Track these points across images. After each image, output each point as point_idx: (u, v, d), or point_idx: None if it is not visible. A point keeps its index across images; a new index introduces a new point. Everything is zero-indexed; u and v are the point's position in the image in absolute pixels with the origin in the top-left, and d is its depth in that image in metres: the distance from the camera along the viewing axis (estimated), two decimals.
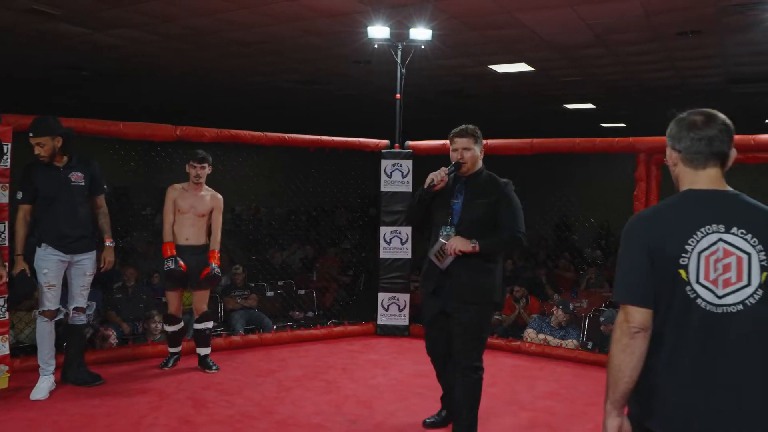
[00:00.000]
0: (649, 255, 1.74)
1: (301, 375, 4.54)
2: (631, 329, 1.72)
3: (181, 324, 4.68)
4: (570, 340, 5.77)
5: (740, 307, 1.69)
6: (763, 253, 1.70)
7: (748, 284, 1.69)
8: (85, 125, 4.46)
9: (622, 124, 13.78)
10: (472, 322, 3.21)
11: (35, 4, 5.83)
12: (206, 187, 4.58)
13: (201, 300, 4.62)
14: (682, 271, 1.71)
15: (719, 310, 1.69)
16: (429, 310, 3.38)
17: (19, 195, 3.96)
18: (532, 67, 8.11)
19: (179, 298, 4.63)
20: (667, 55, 7.25)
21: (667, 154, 1.91)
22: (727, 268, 1.70)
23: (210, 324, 4.69)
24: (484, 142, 5.28)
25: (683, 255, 1.72)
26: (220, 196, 4.63)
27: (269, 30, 6.62)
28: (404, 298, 5.78)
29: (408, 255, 5.81)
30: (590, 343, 5.54)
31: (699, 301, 1.70)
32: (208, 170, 4.56)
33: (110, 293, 6.65)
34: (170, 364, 4.61)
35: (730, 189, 1.81)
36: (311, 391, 4.20)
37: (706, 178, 1.81)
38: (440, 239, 3.19)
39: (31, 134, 3.93)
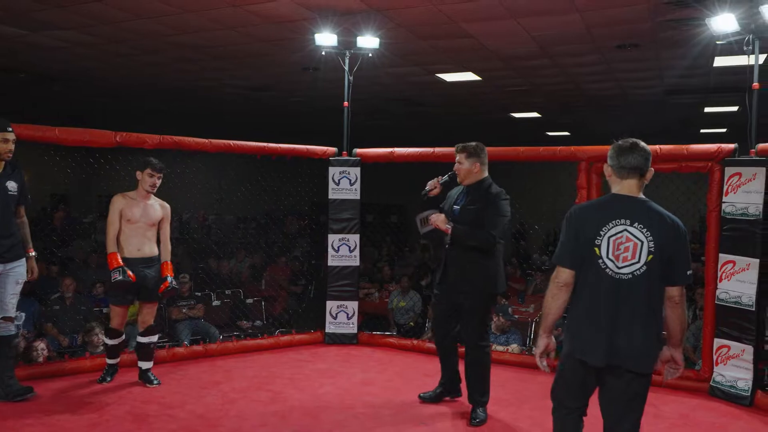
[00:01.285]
0: (575, 234, 2.62)
1: (246, 386, 4.46)
2: (558, 283, 2.64)
3: (123, 337, 4.54)
4: (513, 345, 5.87)
5: (630, 276, 2.54)
6: (652, 242, 2.52)
7: (638, 261, 2.53)
8: (20, 131, 4.21)
9: (567, 133, 14.15)
10: (472, 309, 3.85)
11: None
12: (153, 196, 4.40)
13: (149, 313, 4.46)
14: (596, 249, 2.57)
15: (618, 276, 2.54)
16: (435, 294, 4.11)
17: None
18: (479, 76, 8.25)
19: (125, 313, 4.47)
20: (607, 66, 7.49)
21: (605, 168, 2.72)
22: (626, 249, 2.54)
23: (155, 338, 4.54)
24: (432, 150, 5.36)
25: (598, 237, 2.57)
26: (167, 206, 4.48)
27: (215, 35, 6.52)
28: (353, 306, 5.76)
29: (356, 263, 5.79)
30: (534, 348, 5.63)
31: (607, 270, 2.55)
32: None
33: (47, 305, 6.39)
34: (109, 379, 4.44)
35: (642, 196, 2.63)
36: (257, 402, 4.12)
37: (626, 187, 2.63)
38: (431, 210, 3.90)
39: (9, 129, 3.85)
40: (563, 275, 2.62)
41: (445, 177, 3.98)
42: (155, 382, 4.41)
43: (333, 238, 5.74)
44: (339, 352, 5.47)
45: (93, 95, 10.56)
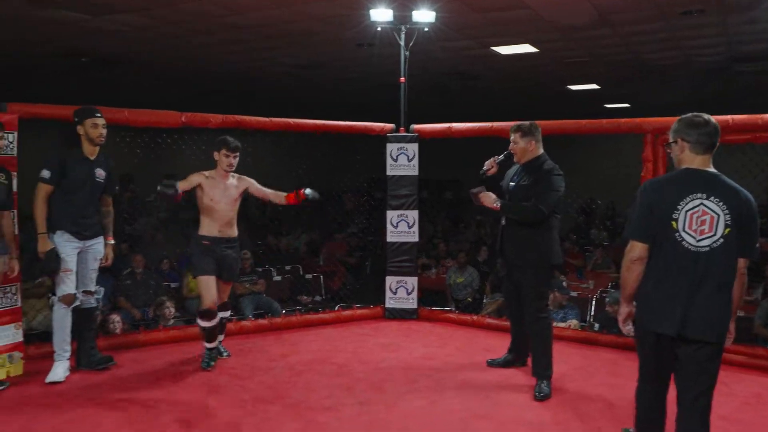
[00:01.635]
0: (649, 208, 2.64)
1: (311, 359, 4.58)
2: (632, 257, 2.68)
3: (218, 318, 4.36)
4: (573, 321, 5.80)
5: (708, 249, 2.58)
6: (728, 216, 2.57)
7: (715, 234, 2.58)
8: None
9: (626, 105, 13.71)
10: (530, 283, 3.96)
11: None
12: (231, 174, 4.37)
13: (224, 291, 4.47)
14: (673, 222, 2.61)
15: (695, 249, 2.59)
16: (501, 271, 4.31)
17: (47, 174, 3.96)
18: (536, 48, 8.06)
19: (213, 284, 4.28)
20: (671, 34, 7.20)
21: (677, 143, 2.70)
22: (703, 222, 2.59)
23: (228, 313, 4.61)
24: (490, 125, 5.32)
25: (675, 211, 2.61)
26: (245, 177, 4.46)
27: (268, 14, 6.57)
28: (412, 281, 5.81)
29: (415, 239, 5.82)
30: (597, 325, 5.56)
31: (684, 243, 2.60)
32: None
33: (120, 280, 6.70)
34: (212, 363, 4.32)
35: (714, 170, 2.67)
36: (322, 374, 4.24)
37: (700, 161, 2.66)
38: (480, 187, 4.05)
39: (99, 114, 4.07)
40: (637, 249, 2.67)
41: (501, 156, 4.13)
42: (225, 353, 4.56)
43: (392, 214, 5.78)
44: (400, 327, 5.55)
45: (151, 78, 10.85)
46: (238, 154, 4.31)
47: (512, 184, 4.04)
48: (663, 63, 8.90)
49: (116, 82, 11.04)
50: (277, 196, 4.44)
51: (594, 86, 11.20)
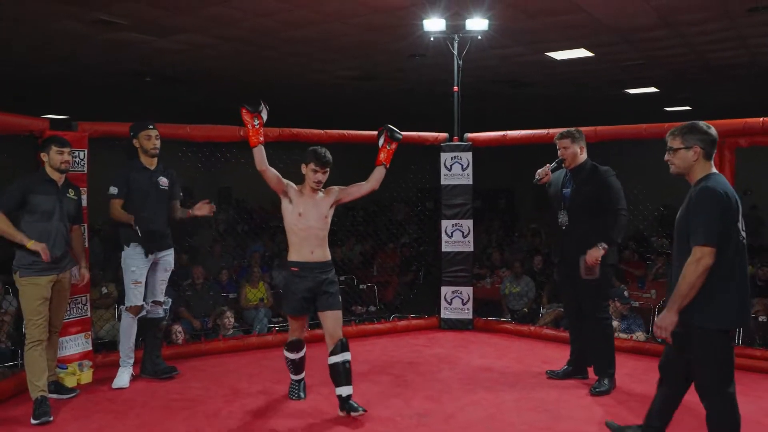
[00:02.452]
0: (722, 213, 2.68)
1: (368, 369, 4.59)
2: (707, 264, 2.65)
3: (305, 350, 3.95)
4: (638, 333, 5.61)
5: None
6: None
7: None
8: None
9: (687, 108, 13.24)
10: (589, 282, 3.97)
11: (102, 14, 6.08)
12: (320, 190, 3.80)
13: (335, 324, 3.70)
14: (739, 224, 2.74)
15: (745, 246, 2.79)
16: (558, 274, 4.37)
17: (114, 190, 4.17)
18: (592, 52, 7.89)
19: (303, 325, 3.90)
20: (736, 33, 6.92)
21: (692, 149, 2.81)
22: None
23: (348, 355, 3.68)
24: (546, 131, 5.29)
25: (739, 213, 2.75)
26: (333, 187, 3.85)
27: (324, 28, 6.68)
28: (467, 291, 5.75)
29: (470, 248, 5.77)
30: None
31: (743, 241, 2.77)
32: None
33: (180, 291, 6.90)
34: (302, 395, 3.98)
35: None
36: (379, 385, 4.24)
37: (711, 166, 2.84)
38: (580, 262, 3.95)
39: (151, 126, 4.26)
40: (712, 256, 2.67)
41: (554, 164, 4.20)
42: (360, 409, 3.62)
43: (446, 224, 5.75)
44: (455, 338, 5.50)
45: (213, 93, 11.18)
46: (328, 170, 3.69)
47: (566, 190, 4.11)
48: (726, 63, 8.55)
49: (181, 99, 11.43)
50: (375, 179, 3.87)
51: (653, 89, 10.88)
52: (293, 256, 3.70)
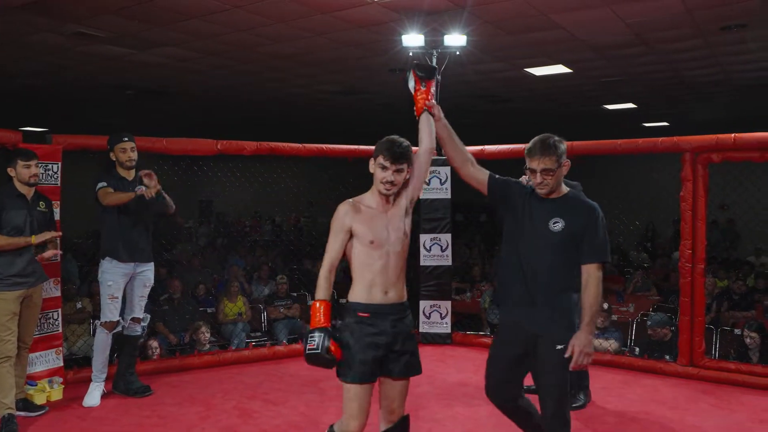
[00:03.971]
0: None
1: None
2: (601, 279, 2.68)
3: None
4: (611, 341, 5.62)
5: None
6: None
7: None
8: None
9: (665, 123, 13.45)
10: None
11: (81, 27, 6.04)
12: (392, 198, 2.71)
13: (400, 395, 2.73)
14: None
15: None
16: None
17: (103, 183, 4.05)
18: (570, 68, 8.00)
19: (364, 399, 2.63)
20: (710, 51, 7.05)
21: (563, 164, 2.72)
22: None
23: None
24: (524, 146, 5.29)
25: None
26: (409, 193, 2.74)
27: (305, 43, 6.70)
28: (446, 305, 5.75)
29: (449, 262, 5.77)
30: (637, 349, 5.39)
31: None
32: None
33: (157, 305, 6.81)
34: None
35: None
36: None
37: None
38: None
39: (126, 138, 4.17)
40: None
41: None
42: None
43: (425, 238, 5.76)
44: (434, 352, 5.48)
45: (194, 107, 11.15)
46: (405, 166, 2.62)
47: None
48: (702, 80, 8.71)
49: (162, 112, 11.38)
50: (426, 134, 2.90)
51: (631, 105, 11.04)
52: (359, 295, 2.60)
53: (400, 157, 2.58)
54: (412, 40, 5.78)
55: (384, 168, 2.58)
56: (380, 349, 2.58)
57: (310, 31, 6.24)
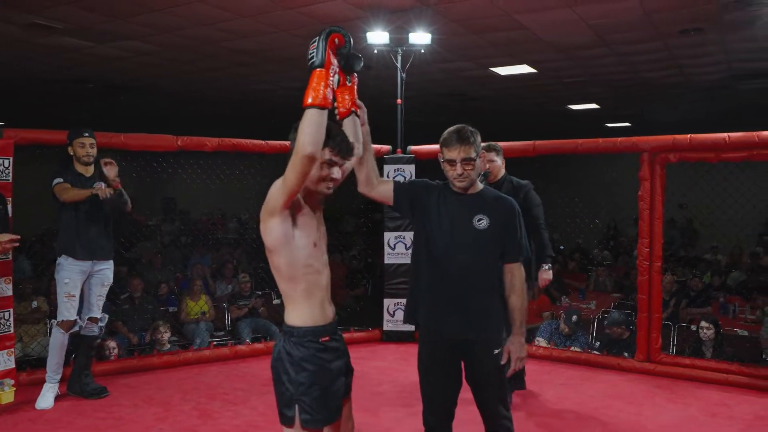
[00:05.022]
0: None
1: None
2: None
3: None
4: (575, 348, 5.68)
5: None
6: None
7: None
8: None
9: (627, 124, 13.72)
10: None
11: (37, 18, 5.87)
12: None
13: (351, 416, 2.33)
14: None
15: None
16: None
17: (59, 179, 3.95)
18: (535, 68, 8.09)
19: None
20: (669, 53, 7.21)
21: (483, 158, 2.87)
22: None
23: None
24: (487, 144, 5.34)
25: None
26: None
27: (269, 38, 6.63)
28: None
29: None
30: (597, 344, 5.47)
31: None
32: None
33: (117, 304, 6.66)
34: None
35: None
36: None
37: None
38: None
39: (86, 134, 4.08)
40: None
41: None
42: None
43: (389, 236, 5.75)
44: (397, 350, 5.48)
45: (157, 102, 10.93)
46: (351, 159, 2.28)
47: None
48: (662, 82, 8.91)
49: (126, 107, 11.14)
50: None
51: (594, 105, 11.23)
52: (307, 317, 2.11)
53: (351, 152, 2.18)
54: (377, 37, 5.76)
55: (331, 164, 2.11)
56: (343, 375, 2.17)
57: (274, 26, 6.18)
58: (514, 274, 2.59)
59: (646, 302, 4.82)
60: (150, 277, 8.08)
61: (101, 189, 3.85)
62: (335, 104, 2.28)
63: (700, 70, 8.19)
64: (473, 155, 2.54)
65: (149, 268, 8.62)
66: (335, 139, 2.10)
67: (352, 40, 2.17)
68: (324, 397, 2.07)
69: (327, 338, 2.11)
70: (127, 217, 4.30)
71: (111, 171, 3.95)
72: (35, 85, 9.36)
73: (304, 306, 2.10)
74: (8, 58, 7.53)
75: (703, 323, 5.18)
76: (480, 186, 2.67)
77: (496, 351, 2.56)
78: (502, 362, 2.56)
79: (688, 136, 4.64)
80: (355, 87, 2.36)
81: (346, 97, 2.32)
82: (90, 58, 7.52)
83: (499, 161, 4.04)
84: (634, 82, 8.95)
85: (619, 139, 4.99)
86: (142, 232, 10.85)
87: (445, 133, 2.61)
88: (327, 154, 2.09)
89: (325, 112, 1.96)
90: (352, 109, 2.35)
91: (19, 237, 3.81)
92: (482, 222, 2.56)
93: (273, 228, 2.07)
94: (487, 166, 3.98)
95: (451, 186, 2.63)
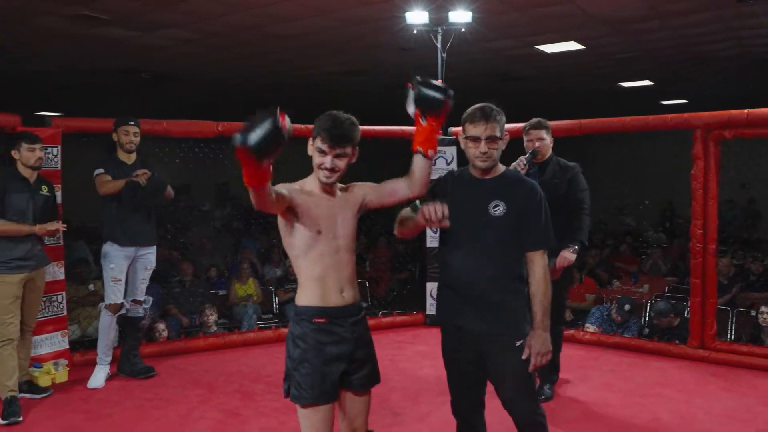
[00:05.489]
0: None
1: None
2: None
3: None
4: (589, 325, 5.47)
5: None
6: None
7: None
8: None
9: (684, 101, 13.14)
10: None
11: (84, 9, 6.01)
12: (338, 187, 2.32)
13: (365, 409, 2.40)
14: None
15: None
16: None
17: (101, 170, 4.07)
18: (583, 45, 7.81)
19: (332, 418, 2.23)
20: (725, 24, 6.82)
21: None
22: None
23: None
24: (522, 124, 5.16)
25: None
26: (355, 184, 2.38)
27: (309, 22, 6.60)
28: None
29: None
30: (647, 329, 5.28)
31: None
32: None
33: (169, 287, 6.85)
34: None
35: None
36: None
37: None
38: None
39: (131, 122, 4.16)
40: None
41: (528, 155, 3.68)
42: None
43: None
44: (440, 335, 5.42)
45: (201, 91, 11.12)
46: (348, 150, 2.21)
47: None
48: (717, 55, 8.46)
49: (168, 96, 11.39)
50: (417, 176, 2.32)
51: (647, 82, 10.78)
52: (309, 298, 2.21)
53: (341, 140, 2.14)
54: (417, 17, 5.66)
55: (322, 152, 2.15)
56: (342, 361, 2.19)
57: (313, 9, 6.15)
58: (535, 263, 2.40)
59: (700, 286, 4.61)
60: (202, 261, 8.26)
61: (139, 176, 3.95)
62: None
63: (759, 41, 7.73)
64: (498, 134, 2.40)
65: (201, 253, 8.81)
66: (326, 128, 2.14)
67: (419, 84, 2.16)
68: (312, 376, 2.13)
69: (323, 320, 2.17)
70: (176, 204, 4.37)
71: (142, 178, 4.03)
72: (86, 77, 9.64)
73: (306, 287, 2.21)
74: (58, 51, 7.76)
75: (763, 308, 4.94)
76: (501, 169, 2.50)
77: (518, 343, 2.40)
78: (523, 357, 2.40)
79: (746, 111, 4.38)
80: (434, 128, 2.27)
81: (427, 137, 2.28)
82: (137, 48, 7.67)
83: (549, 140, 3.77)
84: (687, 56, 8.53)
85: (670, 115, 4.75)
86: (195, 218, 11.11)
87: (470, 109, 2.46)
88: (318, 143, 2.15)
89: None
90: (420, 149, 2.29)
91: (65, 227, 3.95)
92: (498, 209, 2.39)
93: (279, 219, 2.20)
94: (537, 144, 3.71)
95: (471, 168, 2.50)
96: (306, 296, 2.20)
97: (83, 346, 4.83)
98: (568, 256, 3.61)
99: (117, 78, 9.70)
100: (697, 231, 4.62)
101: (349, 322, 2.22)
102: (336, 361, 2.17)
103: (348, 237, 2.25)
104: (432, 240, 5.71)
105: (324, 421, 2.17)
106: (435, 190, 2.49)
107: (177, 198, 4.43)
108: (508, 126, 5.32)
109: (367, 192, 2.33)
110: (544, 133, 3.75)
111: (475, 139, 2.41)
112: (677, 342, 4.80)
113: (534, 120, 3.81)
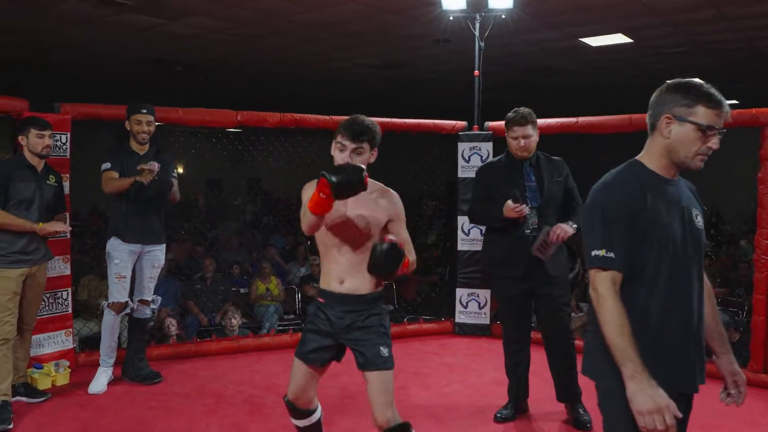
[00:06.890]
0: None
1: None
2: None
3: (313, 419, 2.84)
4: None
5: None
6: None
7: None
8: None
9: (735, 101, 12.42)
10: (566, 298, 3.45)
11: None
12: (372, 181, 2.36)
13: (377, 391, 2.48)
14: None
15: None
16: (510, 291, 3.41)
17: (107, 165, 3.80)
18: (630, 37, 7.30)
19: (308, 378, 2.61)
20: None
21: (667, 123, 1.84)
22: None
23: None
24: (575, 120, 4.82)
25: None
26: (396, 195, 2.48)
27: (340, 10, 6.27)
28: (485, 294, 5.28)
29: None
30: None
31: None
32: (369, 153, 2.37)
33: (190, 283, 6.60)
34: None
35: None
36: None
37: None
38: (546, 227, 3.24)
39: (144, 110, 3.86)
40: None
41: (543, 233, 3.32)
42: None
43: (463, 220, 5.28)
44: (470, 345, 5.04)
45: (231, 83, 10.90)
46: (365, 145, 2.34)
47: (530, 184, 3.36)
48: None
49: (192, 87, 11.19)
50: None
51: (697, 80, 10.16)
52: (322, 281, 2.50)
53: (360, 135, 2.30)
54: (453, 2, 5.27)
55: (342, 148, 2.32)
56: (325, 337, 2.49)
57: None
58: (591, 286, 1.85)
59: (765, 303, 4.10)
60: (226, 257, 8.01)
61: (144, 172, 3.64)
62: None
63: None
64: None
65: (224, 249, 8.56)
66: (346, 125, 2.34)
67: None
68: (303, 338, 2.55)
69: (322, 300, 2.50)
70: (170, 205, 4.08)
71: (147, 176, 3.70)
72: (112, 67, 9.47)
73: (321, 272, 2.54)
74: (84, 39, 7.58)
75: None
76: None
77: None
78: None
79: None
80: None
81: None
82: (165, 36, 7.45)
83: (535, 136, 3.37)
84: (745, 51, 7.94)
85: (737, 111, 4.26)
86: (225, 212, 10.92)
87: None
88: (338, 138, 2.34)
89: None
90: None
91: (70, 228, 3.71)
92: (695, 214, 1.94)
93: None
94: (522, 142, 3.32)
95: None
96: (321, 280, 2.53)
97: (89, 346, 4.58)
98: (565, 227, 3.22)
99: (148, 68, 9.52)
100: (763, 241, 4.12)
101: (339, 308, 2.44)
102: (321, 337, 2.49)
103: (361, 231, 2.38)
104: (463, 243, 5.31)
105: (297, 372, 2.59)
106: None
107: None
108: (543, 121, 4.90)
109: (391, 219, 2.45)
110: (530, 129, 3.30)
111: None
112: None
113: (518, 114, 3.31)
